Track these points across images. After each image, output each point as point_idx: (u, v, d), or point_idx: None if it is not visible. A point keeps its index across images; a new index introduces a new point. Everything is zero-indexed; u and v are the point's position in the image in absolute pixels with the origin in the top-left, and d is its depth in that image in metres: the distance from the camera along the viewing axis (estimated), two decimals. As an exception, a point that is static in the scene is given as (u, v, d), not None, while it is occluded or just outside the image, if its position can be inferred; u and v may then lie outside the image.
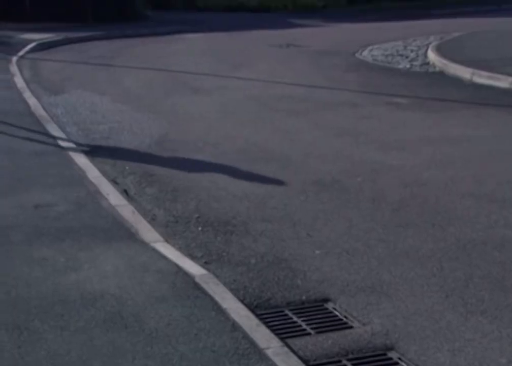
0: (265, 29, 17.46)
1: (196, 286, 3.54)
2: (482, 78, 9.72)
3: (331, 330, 3.20)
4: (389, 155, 6.13)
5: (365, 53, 13.10)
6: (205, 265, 3.89)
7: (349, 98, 8.86)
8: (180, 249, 4.12)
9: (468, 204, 4.87)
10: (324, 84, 9.88)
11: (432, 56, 11.75)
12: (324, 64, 11.90)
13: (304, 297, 3.54)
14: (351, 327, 3.23)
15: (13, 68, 10.88)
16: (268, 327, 3.18)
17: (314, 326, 3.26)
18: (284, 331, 3.20)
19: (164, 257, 3.92)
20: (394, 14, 21.05)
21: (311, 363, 2.93)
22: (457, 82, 9.98)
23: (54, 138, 6.69)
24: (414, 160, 5.99)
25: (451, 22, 18.67)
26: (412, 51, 13.02)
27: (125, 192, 5.20)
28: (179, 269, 3.75)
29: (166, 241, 4.23)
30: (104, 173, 5.60)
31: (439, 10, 22.33)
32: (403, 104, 8.50)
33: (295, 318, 3.33)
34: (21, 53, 12.54)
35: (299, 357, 2.93)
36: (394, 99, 8.75)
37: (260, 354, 2.89)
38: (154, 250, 4.04)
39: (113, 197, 5.00)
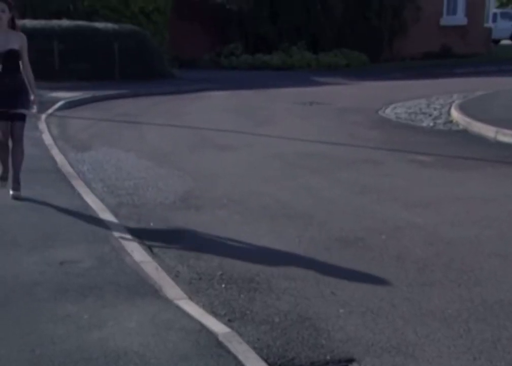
0: (289, 87, 17.71)
1: (220, 344, 3.52)
2: (507, 136, 9.72)
3: (356, 392, 3.15)
4: (413, 213, 6.12)
5: (388, 110, 13.21)
6: (228, 322, 3.87)
7: (371, 155, 8.90)
8: (203, 306, 4.11)
9: (494, 264, 4.83)
10: (347, 141, 9.95)
11: (455, 114, 11.80)
12: (347, 121, 12.00)
13: (328, 357, 3.50)
14: (376, 389, 3.17)
15: (42, 125, 11.09)
16: (292, 387, 3.14)
17: (339, 387, 3.21)
18: (308, 392, 3.16)
19: (188, 315, 3.90)
20: (417, 73, 21.26)
21: None
22: (481, 140, 10.00)
23: (80, 194, 6.76)
24: (438, 218, 5.97)
25: (474, 81, 18.80)
26: (435, 109, 13.10)
27: (149, 249, 5.22)
28: (202, 327, 3.73)
29: (190, 298, 4.22)
30: (128, 229, 5.64)
31: (462, 69, 22.52)
32: (426, 162, 8.51)
33: (319, 379, 3.29)
34: (49, 111, 12.80)
35: None
36: (418, 157, 8.77)
37: (284, 416, 2.85)
38: (178, 307, 4.03)
39: (137, 253, 5.02)
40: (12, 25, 6.28)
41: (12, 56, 6.21)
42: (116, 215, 6.08)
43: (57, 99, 14.13)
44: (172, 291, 4.31)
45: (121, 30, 18.07)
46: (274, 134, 10.58)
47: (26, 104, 6.38)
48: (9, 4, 6.20)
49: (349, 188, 7.19)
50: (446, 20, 27.27)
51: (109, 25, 18.08)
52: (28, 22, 18.09)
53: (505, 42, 37.78)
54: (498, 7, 45.25)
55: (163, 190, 7.07)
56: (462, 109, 12.03)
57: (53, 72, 16.44)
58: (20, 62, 6.28)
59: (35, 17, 18.85)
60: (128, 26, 18.74)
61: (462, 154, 8.97)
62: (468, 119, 11.02)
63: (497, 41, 36.85)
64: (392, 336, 3.71)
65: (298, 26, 24.30)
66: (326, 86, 18.28)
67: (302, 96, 15.58)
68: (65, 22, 17.40)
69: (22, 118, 6.38)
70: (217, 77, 20.24)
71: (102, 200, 6.60)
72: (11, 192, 6.51)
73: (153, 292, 4.27)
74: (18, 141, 6.46)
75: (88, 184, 7.24)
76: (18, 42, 6.24)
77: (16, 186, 6.52)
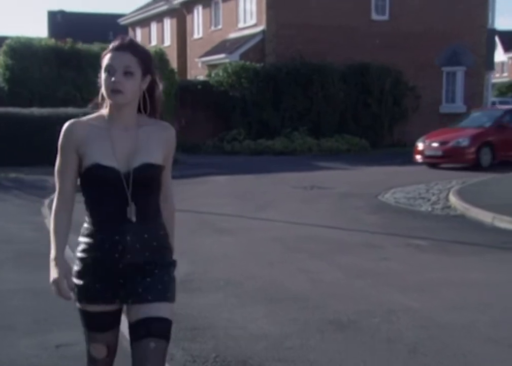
0: (290, 172, 17.98)
1: None
2: (504, 222, 9.84)
3: None
4: (408, 297, 6.16)
5: (387, 195, 13.38)
6: (219, 405, 3.89)
7: (370, 239, 9.00)
8: (195, 388, 4.12)
9: (487, 349, 4.85)
10: (346, 226, 10.06)
11: (453, 199, 11.96)
12: (347, 206, 12.15)
13: None
14: None
15: (45, 211, 11.26)
16: None
17: None
18: None
19: (179, 397, 3.92)
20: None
21: None
22: (478, 225, 10.11)
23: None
24: (433, 302, 6.01)
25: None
26: (433, 194, 13.27)
27: (145, 331, 5.23)
28: (192, 409, 3.74)
29: (182, 380, 4.24)
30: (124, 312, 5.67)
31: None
32: (423, 246, 8.60)
33: None
34: (53, 196, 12.99)
35: None
36: (415, 241, 8.86)
37: None
38: (169, 389, 4.04)
39: (132, 335, 5.05)
40: (149, 106, 2.86)
41: (144, 180, 2.79)
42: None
43: (61, 184, 14.37)
44: (165, 372, 4.32)
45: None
46: (274, 218, 10.72)
47: (171, 288, 2.85)
48: (144, 61, 2.79)
49: (346, 271, 7.25)
50: (445, 108, 27.86)
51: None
52: (36, 110, 18.64)
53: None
54: (496, 96, 46.33)
55: (162, 273, 7.13)
56: (460, 194, 12.20)
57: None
58: (159, 189, 2.90)
59: (42, 105, 19.40)
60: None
61: (459, 239, 9.06)
62: (465, 205, 11.17)
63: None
64: None
65: (300, 113, 24.84)
66: (327, 170, 18.56)
67: (303, 180, 15.81)
68: (71, 110, 17.87)
69: (164, 330, 2.79)
70: (220, 162, 20.57)
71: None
72: None
73: (146, 374, 4.28)
74: None
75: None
76: (161, 146, 2.85)
77: None
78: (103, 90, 2.76)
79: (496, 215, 10.08)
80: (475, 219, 10.49)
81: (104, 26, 52.91)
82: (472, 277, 6.92)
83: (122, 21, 40.83)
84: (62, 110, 17.87)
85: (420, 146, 18.91)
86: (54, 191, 11.66)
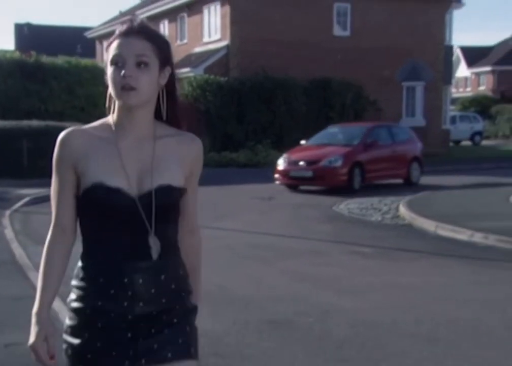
0: (252, 183, 18.41)
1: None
2: (445, 230, 10.38)
3: None
4: (343, 299, 6.63)
5: (342, 206, 13.88)
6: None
7: (317, 247, 9.47)
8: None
9: (404, 343, 5.32)
10: (297, 234, 10.53)
11: (402, 210, 12.50)
12: (301, 215, 12.63)
13: None
14: None
15: (6, 221, 11.55)
16: None
17: None
18: None
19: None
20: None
21: None
22: (422, 234, 10.64)
23: (33, 284, 7.18)
24: (365, 303, 6.49)
25: (430, 180, 19.62)
26: (385, 204, 13.81)
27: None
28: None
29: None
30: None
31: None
32: (367, 253, 9.08)
33: None
34: (14, 207, 13.28)
35: None
36: (360, 249, 9.34)
37: None
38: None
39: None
40: (170, 111, 2.25)
41: (163, 206, 2.17)
42: (64, 303, 6.48)
43: (23, 196, 14.63)
44: None
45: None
46: (230, 228, 11.14)
47: (194, 341, 2.28)
48: (162, 48, 2.16)
49: (290, 276, 7.70)
50: (405, 121, 28.57)
51: (78, 125, 18.90)
52: (-1, 123, 18.89)
53: (465, 143, 39.38)
54: (460, 110, 47.36)
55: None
56: (409, 205, 12.74)
57: (21, 170, 17.06)
58: (180, 217, 2.31)
59: (5, 118, 19.64)
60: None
61: (402, 247, 9.56)
62: (412, 214, 11.71)
63: (457, 142, 38.45)
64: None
65: (263, 126, 25.36)
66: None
67: (264, 192, 16.27)
68: (35, 122, 18.15)
69: None
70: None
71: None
72: None
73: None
74: None
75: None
76: (184, 164, 2.25)
77: None
78: (110, 89, 2.12)
79: (438, 223, 10.63)
80: (420, 228, 11.02)
81: (72, 38, 53.03)
82: (404, 281, 7.41)
83: (90, 34, 41.10)
84: (25, 123, 18.18)
85: (282, 165, 16.53)
86: (17, 201, 11.86)
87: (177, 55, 23.71)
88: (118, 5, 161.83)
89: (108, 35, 38.18)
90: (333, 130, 18.24)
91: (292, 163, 16.30)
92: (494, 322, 5.90)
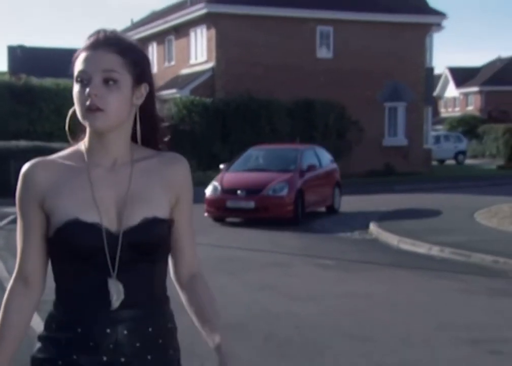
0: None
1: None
2: (407, 244, 10.95)
3: None
4: (295, 305, 7.17)
5: (315, 221, 14.43)
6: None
7: (283, 260, 10.01)
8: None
9: (342, 342, 5.86)
10: (266, 248, 11.07)
11: (371, 225, 13.07)
12: (273, 231, 13.14)
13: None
14: None
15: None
16: None
17: None
18: None
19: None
20: (354, 189, 22.62)
21: None
22: (386, 248, 11.20)
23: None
24: (315, 309, 7.03)
25: (408, 197, 20.17)
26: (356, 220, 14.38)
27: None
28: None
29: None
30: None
31: (401, 186, 24.04)
32: (329, 265, 9.63)
33: None
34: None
35: None
36: (324, 261, 9.89)
37: None
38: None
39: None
40: (148, 136, 1.96)
41: (147, 244, 1.87)
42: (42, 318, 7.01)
43: (8, 214, 15.15)
44: None
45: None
46: (202, 242, 11.66)
47: None
48: (135, 62, 1.86)
49: (251, 286, 8.24)
50: (387, 141, 29.28)
51: (65, 145, 19.42)
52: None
53: (449, 162, 40.09)
54: (448, 129, 48.14)
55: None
56: (378, 220, 13.31)
57: (8, 188, 17.58)
58: (169, 254, 2.00)
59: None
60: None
61: (364, 259, 10.11)
62: (378, 229, 12.28)
63: (442, 161, 39.18)
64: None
65: (248, 146, 25.92)
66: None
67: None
68: (22, 143, 18.71)
69: None
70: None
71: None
72: None
73: None
74: None
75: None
76: (169, 190, 1.93)
77: None
78: (76, 110, 1.83)
79: (401, 238, 11.20)
80: (384, 242, 11.59)
81: (65, 60, 53.28)
82: (357, 290, 7.96)
83: (81, 56, 41.75)
84: (13, 143, 18.75)
85: (213, 195, 13.80)
86: (1, 219, 12.44)
87: (165, 76, 24.53)
88: (110, 28, 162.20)
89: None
90: (257, 153, 15.89)
91: (227, 192, 13.73)
92: (425, 323, 6.45)
